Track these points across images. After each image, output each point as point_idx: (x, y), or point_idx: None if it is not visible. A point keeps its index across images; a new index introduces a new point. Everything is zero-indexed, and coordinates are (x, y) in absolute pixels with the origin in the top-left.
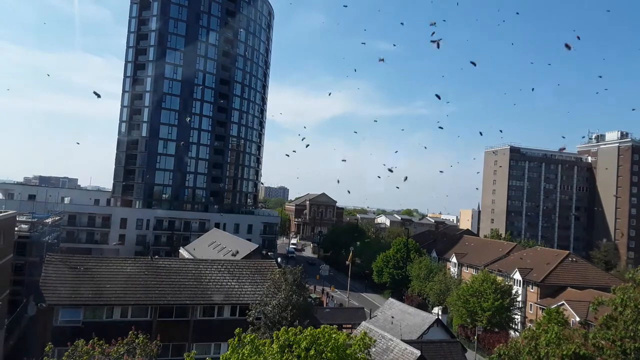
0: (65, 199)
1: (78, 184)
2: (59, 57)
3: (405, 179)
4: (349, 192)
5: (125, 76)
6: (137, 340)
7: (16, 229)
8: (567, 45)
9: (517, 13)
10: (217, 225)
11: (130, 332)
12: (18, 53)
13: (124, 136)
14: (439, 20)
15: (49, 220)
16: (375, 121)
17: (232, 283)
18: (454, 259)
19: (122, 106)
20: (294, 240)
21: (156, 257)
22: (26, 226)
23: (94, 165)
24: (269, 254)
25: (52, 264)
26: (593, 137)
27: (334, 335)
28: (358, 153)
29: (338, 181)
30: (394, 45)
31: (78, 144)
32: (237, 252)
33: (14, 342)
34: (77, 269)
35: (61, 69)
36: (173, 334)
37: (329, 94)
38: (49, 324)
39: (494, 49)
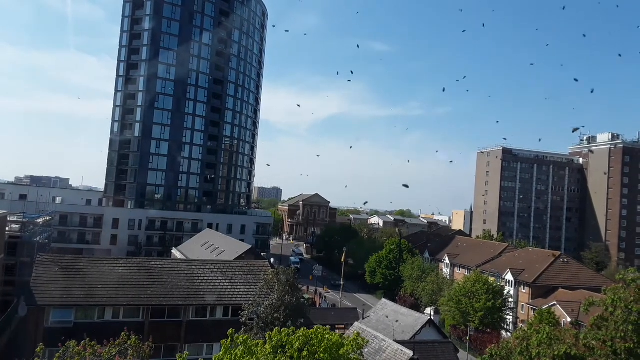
0: (57, 199)
1: (70, 184)
2: (52, 57)
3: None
4: (346, 186)
5: (118, 76)
6: (129, 341)
7: (7, 229)
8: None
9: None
10: (210, 226)
11: (123, 333)
12: (10, 52)
13: (116, 136)
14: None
15: (40, 221)
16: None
17: (225, 284)
18: (446, 260)
19: (115, 106)
20: (302, 249)
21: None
22: (17, 226)
23: (86, 165)
24: (262, 254)
25: (43, 264)
26: (585, 138)
27: (326, 336)
28: (353, 153)
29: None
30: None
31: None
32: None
33: (5, 342)
34: (73, 270)
35: (54, 69)
36: (165, 335)
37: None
38: (40, 325)
39: (489, 49)
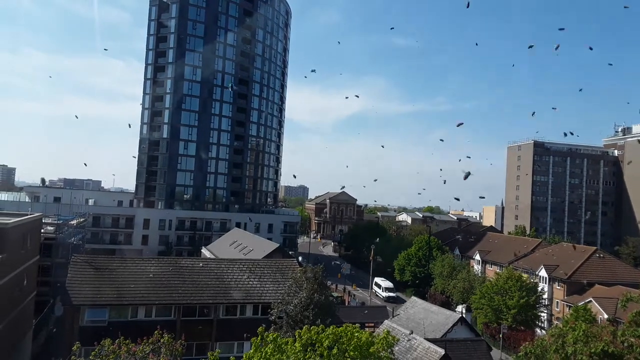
0: (90, 200)
1: (102, 185)
2: (81, 62)
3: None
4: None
5: (145, 78)
6: (162, 340)
7: (42, 230)
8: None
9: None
10: (238, 225)
11: (156, 332)
12: (41, 58)
13: (145, 138)
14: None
15: (73, 222)
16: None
17: (254, 282)
18: (477, 257)
19: (143, 108)
20: (387, 284)
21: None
22: (52, 228)
23: (117, 167)
24: (290, 252)
25: (77, 265)
26: (619, 130)
27: (356, 334)
28: (380, 150)
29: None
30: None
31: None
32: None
33: (42, 341)
34: (106, 270)
35: (83, 73)
36: (196, 333)
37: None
38: (76, 324)
39: (512, 43)
